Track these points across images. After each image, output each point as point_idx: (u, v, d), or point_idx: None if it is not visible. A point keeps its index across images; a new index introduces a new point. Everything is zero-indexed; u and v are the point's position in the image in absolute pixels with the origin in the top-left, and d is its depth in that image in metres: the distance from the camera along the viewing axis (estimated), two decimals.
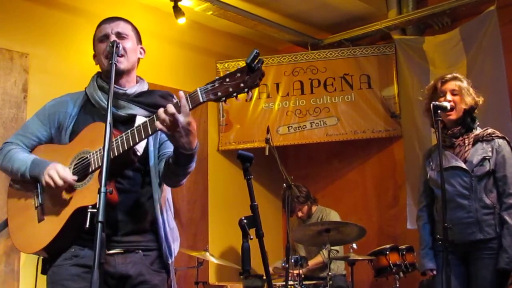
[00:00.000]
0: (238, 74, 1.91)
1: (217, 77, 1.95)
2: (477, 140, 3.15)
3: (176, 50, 5.64)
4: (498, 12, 4.86)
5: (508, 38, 4.90)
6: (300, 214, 5.17)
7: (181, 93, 1.96)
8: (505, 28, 4.91)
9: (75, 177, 2.14)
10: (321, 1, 5.55)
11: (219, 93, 1.91)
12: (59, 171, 2.13)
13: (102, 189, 1.81)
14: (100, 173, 1.98)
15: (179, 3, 4.92)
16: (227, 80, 1.91)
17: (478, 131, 3.19)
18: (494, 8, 4.87)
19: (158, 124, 1.96)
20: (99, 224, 1.76)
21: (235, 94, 1.91)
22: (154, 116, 2.00)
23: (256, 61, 1.88)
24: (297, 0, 5.53)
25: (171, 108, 1.94)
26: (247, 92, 1.91)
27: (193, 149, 2.05)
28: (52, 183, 2.12)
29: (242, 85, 1.90)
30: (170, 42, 5.57)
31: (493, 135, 3.16)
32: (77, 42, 4.76)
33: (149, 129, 2.02)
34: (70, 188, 2.16)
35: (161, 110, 1.95)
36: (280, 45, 6.58)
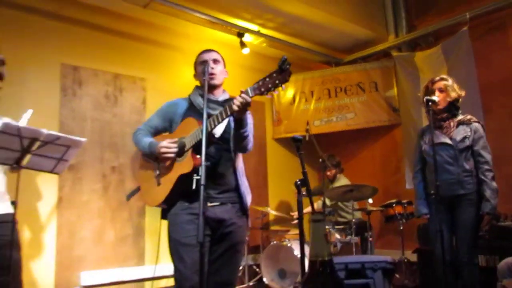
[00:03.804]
0: (274, 75, 1.88)
1: (261, 78, 1.92)
2: (460, 123, 3.02)
3: (242, 71, 5.67)
4: (470, 31, 4.67)
5: (478, 50, 4.70)
6: (328, 173, 5.12)
7: (243, 95, 1.99)
8: (476, 43, 4.71)
9: (175, 149, 2.15)
10: (340, 32, 5.47)
11: (262, 89, 1.90)
12: (164, 145, 2.16)
13: (203, 163, 1.80)
14: (194, 150, 2.00)
15: (243, 39, 4.99)
16: (267, 79, 1.90)
17: (460, 117, 3.06)
18: (467, 28, 4.68)
19: (235, 106, 1.97)
20: (202, 186, 1.78)
21: (273, 89, 1.88)
22: (231, 101, 2.00)
23: (285, 64, 1.84)
24: (323, 32, 5.46)
25: (240, 98, 1.97)
26: (281, 87, 1.88)
27: (243, 117, 2.07)
28: (167, 151, 2.15)
29: (277, 81, 1.87)
30: (238, 66, 5.60)
31: (472, 120, 3.02)
32: (176, 69, 4.87)
33: (228, 111, 2.02)
34: (173, 162, 2.17)
35: (238, 97, 1.98)
36: (312, 64, 6.51)
